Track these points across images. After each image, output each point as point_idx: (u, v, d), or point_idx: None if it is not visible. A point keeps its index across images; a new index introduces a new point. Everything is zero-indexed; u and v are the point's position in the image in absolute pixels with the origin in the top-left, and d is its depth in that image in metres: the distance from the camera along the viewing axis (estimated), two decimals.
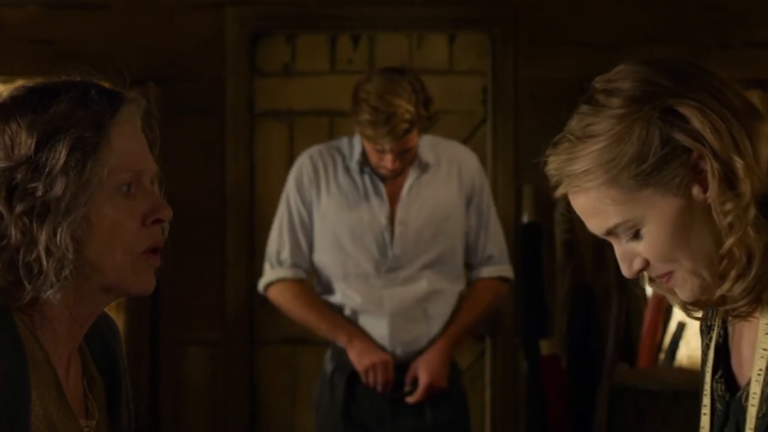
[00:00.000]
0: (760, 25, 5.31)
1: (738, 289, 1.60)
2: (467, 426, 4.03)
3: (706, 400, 1.71)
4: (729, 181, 1.57)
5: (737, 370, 1.69)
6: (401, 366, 3.90)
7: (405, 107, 3.68)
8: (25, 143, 1.65)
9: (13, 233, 1.63)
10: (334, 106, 5.21)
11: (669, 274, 1.64)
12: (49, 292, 1.65)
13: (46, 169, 1.64)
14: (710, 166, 1.57)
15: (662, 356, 5.15)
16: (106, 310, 1.83)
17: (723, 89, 1.62)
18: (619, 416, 4.90)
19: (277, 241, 3.96)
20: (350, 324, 3.90)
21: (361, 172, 3.89)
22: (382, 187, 3.89)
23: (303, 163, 3.96)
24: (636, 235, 1.62)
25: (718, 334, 1.73)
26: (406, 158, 3.82)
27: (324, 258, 3.93)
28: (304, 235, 3.93)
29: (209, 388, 5.31)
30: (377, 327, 3.89)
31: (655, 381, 4.88)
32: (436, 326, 3.93)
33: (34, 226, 1.63)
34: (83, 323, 1.73)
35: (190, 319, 5.26)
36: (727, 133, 1.58)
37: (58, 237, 1.63)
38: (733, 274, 1.59)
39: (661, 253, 1.62)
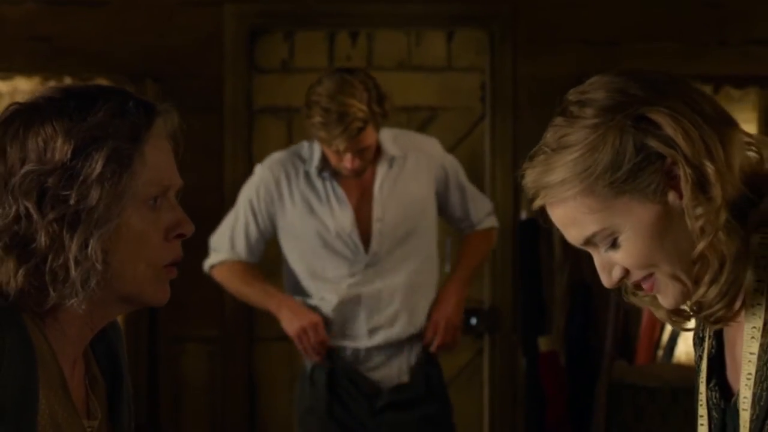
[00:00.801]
0: (759, 22, 5.31)
1: (712, 293, 1.61)
2: (450, 421, 4.03)
3: (702, 411, 1.72)
4: (701, 185, 1.58)
5: (732, 378, 1.70)
6: (379, 368, 3.93)
7: (357, 106, 3.66)
8: (61, 149, 1.63)
9: (43, 239, 1.62)
10: None
11: (650, 279, 1.64)
12: (72, 301, 1.64)
13: (81, 178, 1.62)
14: (683, 172, 1.58)
15: (660, 353, 5.15)
16: None
17: (695, 96, 1.63)
18: (618, 413, 4.90)
19: (227, 235, 3.99)
20: (281, 293, 3.96)
21: (320, 177, 3.88)
22: (340, 190, 3.87)
23: (263, 175, 3.95)
24: (614, 244, 1.63)
25: (710, 345, 1.74)
26: (366, 156, 3.79)
27: (297, 266, 3.94)
28: (255, 237, 3.96)
29: (208, 386, 5.31)
30: (356, 326, 3.90)
31: (654, 378, 4.88)
32: (416, 321, 3.94)
33: (65, 234, 1.62)
34: (94, 328, 1.73)
35: (188, 317, 5.26)
36: (699, 139, 1.58)
37: (90, 248, 1.62)
38: (706, 278, 1.60)
39: (639, 260, 1.62)
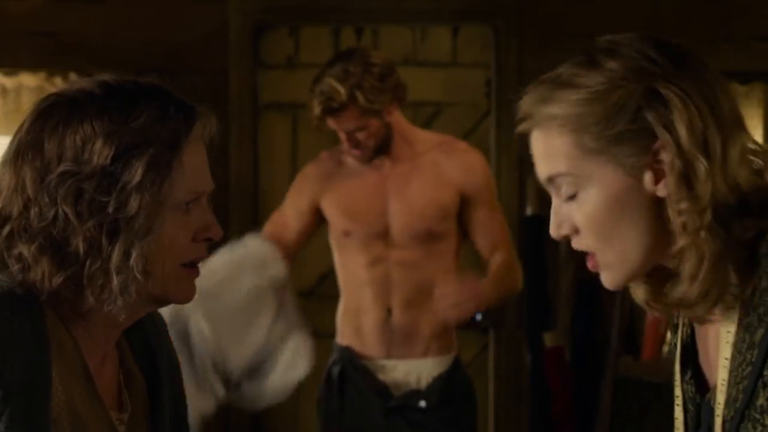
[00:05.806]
0: (764, 17, 5.30)
1: (695, 291, 1.57)
2: (472, 420, 3.99)
3: (679, 401, 1.71)
4: (687, 179, 1.54)
5: (706, 369, 1.68)
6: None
7: (333, 86, 3.70)
8: (101, 153, 1.59)
9: (80, 245, 1.59)
10: None
11: (592, 257, 1.64)
12: (110, 307, 1.61)
13: (119, 185, 1.59)
14: (670, 159, 1.55)
15: (666, 348, 5.15)
16: None
17: (717, 90, 1.59)
18: (623, 408, 4.90)
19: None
20: None
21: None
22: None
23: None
24: (574, 196, 1.61)
25: (685, 332, 1.71)
26: (366, 143, 3.79)
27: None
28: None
29: None
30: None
31: (659, 373, 4.88)
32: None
33: (104, 242, 1.59)
34: (120, 327, 1.71)
35: None
36: (701, 132, 1.55)
37: (132, 258, 1.59)
38: (685, 273, 1.57)
39: (591, 224, 1.60)
